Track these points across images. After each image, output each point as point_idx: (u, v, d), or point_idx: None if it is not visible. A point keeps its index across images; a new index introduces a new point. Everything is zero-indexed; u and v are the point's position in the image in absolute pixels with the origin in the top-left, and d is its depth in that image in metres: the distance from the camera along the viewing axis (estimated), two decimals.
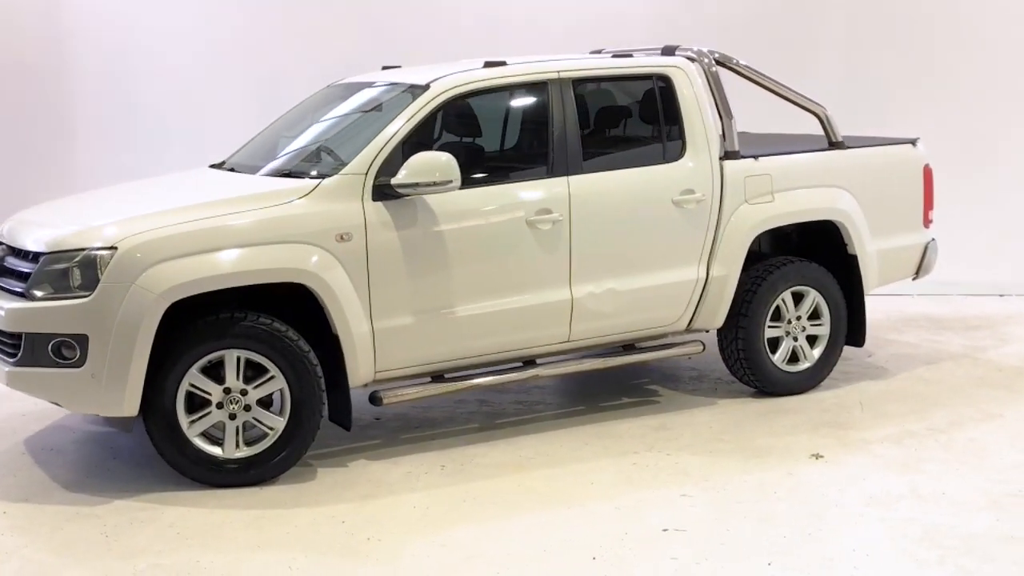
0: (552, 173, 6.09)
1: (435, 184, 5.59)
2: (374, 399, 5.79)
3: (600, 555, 4.65)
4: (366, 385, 5.80)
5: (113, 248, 5.21)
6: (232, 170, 6.29)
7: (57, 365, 5.24)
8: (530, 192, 6.03)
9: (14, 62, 10.50)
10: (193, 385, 5.36)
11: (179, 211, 5.47)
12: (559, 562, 4.60)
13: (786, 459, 5.77)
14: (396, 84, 6.24)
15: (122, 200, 6.04)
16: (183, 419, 5.36)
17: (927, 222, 7.31)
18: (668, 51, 6.82)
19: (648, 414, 6.53)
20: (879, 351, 7.85)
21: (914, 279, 7.41)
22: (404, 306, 5.71)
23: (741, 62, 6.95)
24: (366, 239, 5.58)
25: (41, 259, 5.32)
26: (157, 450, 5.40)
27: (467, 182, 5.84)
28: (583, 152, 6.18)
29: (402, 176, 5.58)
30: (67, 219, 5.65)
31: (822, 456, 5.81)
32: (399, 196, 5.64)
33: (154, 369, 5.27)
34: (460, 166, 5.70)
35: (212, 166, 6.45)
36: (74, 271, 5.23)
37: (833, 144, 7.06)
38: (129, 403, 5.22)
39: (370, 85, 6.51)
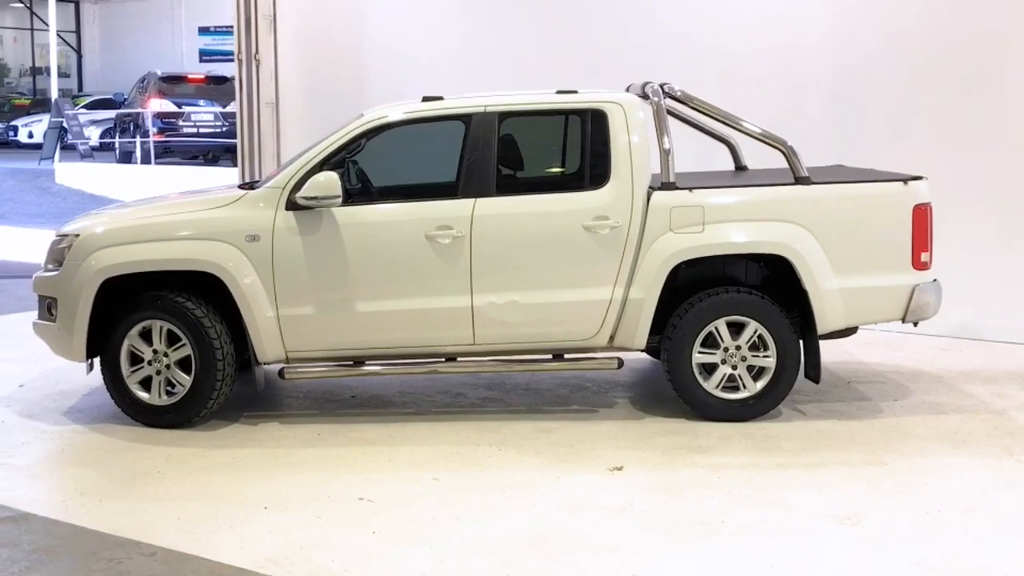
0: (462, 195, 6.96)
1: (327, 198, 6.76)
2: (281, 374, 7.05)
3: (272, 505, 5.64)
4: (287, 362, 7.06)
5: (77, 235, 6.99)
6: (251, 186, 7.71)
7: (48, 319, 7.12)
8: (434, 210, 6.94)
9: (330, 91, 12.80)
10: (133, 345, 6.98)
11: (136, 211, 7.16)
12: (236, 505, 5.66)
13: (582, 468, 6.20)
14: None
15: (138, 203, 7.82)
16: (125, 370, 7.00)
17: (919, 263, 7.07)
18: (642, 88, 7.33)
19: (559, 420, 7.11)
20: (912, 398, 7.59)
21: (904, 321, 7.17)
22: (307, 298, 6.92)
23: (700, 99, 7.27)
24: (273, 240, 6.87)
25: (51, 242, 7.23)
26: (108, 392, 7.08)
27: (376, 199, 7.00)
28: (497, 178, 6.98)
29: (303, 191, 6.81)
30: (86, 216, 7.52)
31: (620, 469, 6.18)
32: (306, 207, 6.86)
33: (109, 330, 6.97)
34: (375, 186, 6.83)
35: (240, 185, 7.89)
36: (64, 251, 7.07)
37: (798, 179, 7.12)
38: (77, 351, 6.98)
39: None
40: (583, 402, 7.54)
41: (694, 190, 6.99)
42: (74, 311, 6.91)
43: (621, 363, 7.14)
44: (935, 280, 7.13)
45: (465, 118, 7.04)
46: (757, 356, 6.99)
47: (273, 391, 7.73)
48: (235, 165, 23.12)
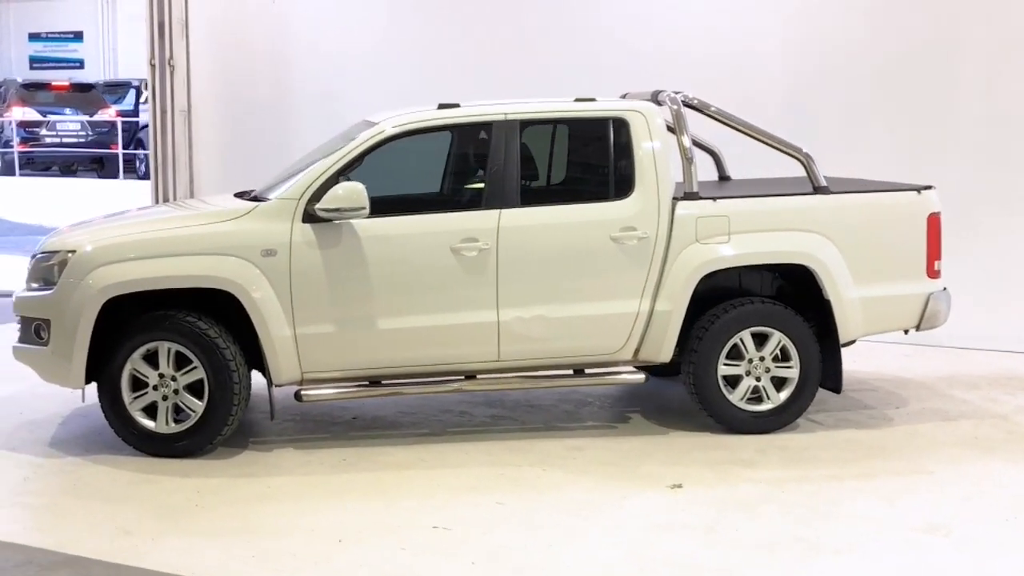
0: (486, 206, 6.68)
1: (352, 210, 6.39)
2: (297, 396, 6.63)
3: (344, 537, 5.29)
4: (301, 383, 6.65)
5: (73, 251, 6.44)
6: (255, 198, 7.18)
7: (36, 343, 6.53)
8: (459, 222, 6.65)
9: (246, 96, 12.28)
10: (136, 369, 6.46)
11: (137, 224, 6.65)
12: (304, 538, 5.29)
13: (641, 486, 6.02)
14: (373, 121, 7.00)
15: (126, 216, 7.28)
16: (127, 396, 6.48)
17: (932, 272, 7.13)
18: (652, 96, 7.19)
19: (583, 437, 6.89)
20: (912, 405, 7.65)
21: (917, 330, 7.22)
22: (326, 316, 6.53)
23: (714, 107, 7.19)
24: (290, 255, 6.46)
25: (35, 259, 6.65)
26: (107, 420, 6.54)
27: (399, 211, 6.64)
28: (521, 187, 6.73)
29: (324, 202, 6.42)
30: (72, 230, 6.95)
31: (680, 487, 6.01)
32: (325, 220, 6.47)
33: (108, 354, 6.43)
34: (397, 198, 6.46)
35: (236, 195, 7.39)
36: (53, 269, 6.51)
37: (817, 189, 7.09)
38: (75, 377, 6.42)
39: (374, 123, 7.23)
40: (596, 418, 7.37)
41: (718, 200, 6.90)
42: (73, 334, 6.36)
43: (648, 377, 6.99)
44: (945, 288, 7.20)
45: (485, 126, 6.78)
46: (780, 367, 6.93)
47: (262, 415, 7.18)
48: (99, 176, 22.19)
